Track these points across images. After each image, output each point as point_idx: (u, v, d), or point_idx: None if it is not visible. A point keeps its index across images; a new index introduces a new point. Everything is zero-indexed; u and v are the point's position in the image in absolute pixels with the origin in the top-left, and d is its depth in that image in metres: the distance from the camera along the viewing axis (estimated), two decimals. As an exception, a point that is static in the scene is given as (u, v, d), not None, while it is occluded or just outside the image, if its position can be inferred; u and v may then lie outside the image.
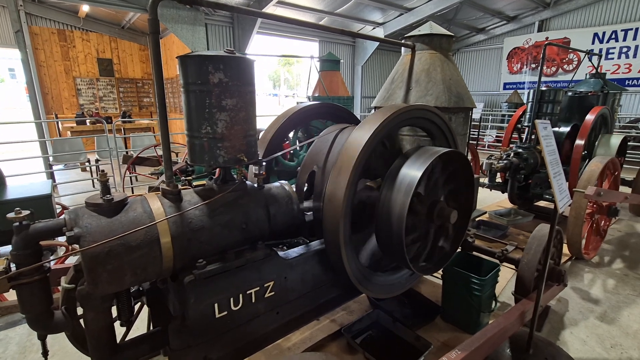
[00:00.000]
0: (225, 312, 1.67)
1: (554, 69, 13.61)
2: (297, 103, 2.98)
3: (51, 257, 1.53)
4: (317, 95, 6.31)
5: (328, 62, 6.41)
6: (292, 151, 3.39)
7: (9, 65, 36.01)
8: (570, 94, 5.29)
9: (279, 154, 2.26)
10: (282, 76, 42.28)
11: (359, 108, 15.30)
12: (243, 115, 1.68)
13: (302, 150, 3.44)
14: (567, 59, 13.29)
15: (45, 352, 1.67)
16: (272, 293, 1.84)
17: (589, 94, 5.15)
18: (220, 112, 1.60)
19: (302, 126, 3.01)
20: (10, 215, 1.32)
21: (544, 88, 4.81)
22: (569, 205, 3.28)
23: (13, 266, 1.40)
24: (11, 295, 2.93)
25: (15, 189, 3.47)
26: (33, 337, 2.73)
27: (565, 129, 5.03)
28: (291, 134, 3.30)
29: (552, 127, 4.50)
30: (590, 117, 4.67)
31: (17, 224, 1.34)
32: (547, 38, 13.30)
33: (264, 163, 1.88)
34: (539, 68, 4.58)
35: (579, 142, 4.57)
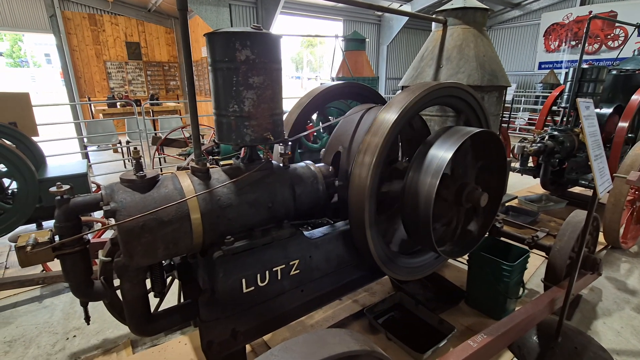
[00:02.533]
0: (252, 288, 1.72)
1: (596, 46, 12.64)
2: (321, 84, 2.93)
3: (92, 231, 1.62)
4: (341, 76, 6.20)
5: (353, 42, 6.24)
6: (315, 133, 3.37)
7: (45, 50, 37.62)
8: (614, 72, 4.90)
9: (305, 133, 2.25)
10: (304, 58, 41.75)
11: (384, 90, 14.94)
12: (270, 93, 1.67)
13: (325, 133, 3.41)
14: (612, 34, 12.28)
15: (87, 317, 1.79)
16: (297, 271, 1.88)
17: (637, 72, 4.75)
18: (247, 90, 1.60)
19: (327, 107, 2.97)
20: (52, 189, 1.40)
21: (585, 66, 4.48)
22: (608, 192, 3.10)
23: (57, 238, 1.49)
24: (55, 266, 3.15)
25: (55, 168, 3.67)
26: (75, 305, 2.94)
27: (608, 110, 4.69)
28: (314, 116, 3.27)
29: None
30: (636, 97, 4.33)
31: (59, 197, 1.42)
32: (590, 12, 12.29)
33: (289, 142, 1.87)
34: (581, 44, 4.26)
35: (623, 124, 4.26)
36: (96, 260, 1.90)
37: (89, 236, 3.24)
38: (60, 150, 6.62)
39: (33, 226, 3.77)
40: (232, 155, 3.98)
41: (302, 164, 2.08)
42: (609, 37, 12.37)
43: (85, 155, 7.42)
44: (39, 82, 32.83)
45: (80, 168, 3.66)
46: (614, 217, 3.55)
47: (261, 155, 1.88)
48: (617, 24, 12.01)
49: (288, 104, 2.77)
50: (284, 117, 2.57)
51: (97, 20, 11.57)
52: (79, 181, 3.47)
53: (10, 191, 3.54)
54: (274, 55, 1.64)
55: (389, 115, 1.80)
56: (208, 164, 1.72)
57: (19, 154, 3.09)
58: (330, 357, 1.12)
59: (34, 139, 3.79)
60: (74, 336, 2.59)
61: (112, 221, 1.40)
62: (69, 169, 3.64)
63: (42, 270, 3.23)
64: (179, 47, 13.28)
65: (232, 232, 1.68)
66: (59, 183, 1.42)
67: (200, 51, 11.70)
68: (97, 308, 2.71)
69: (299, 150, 2.92)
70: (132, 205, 1.43)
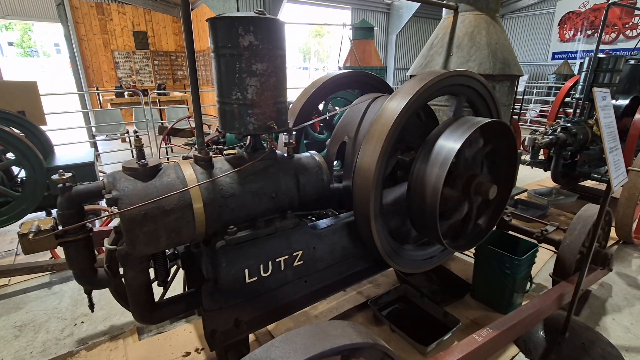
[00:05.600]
0: (255, 278, 1.71)
1: (614, 35, 12.23)
2: (327, 73, 2.87)
3: (94, 219, 1.61)
4: (348, 65, 6.10)
5: (361, 30, 6.12)
6: (321, 123, 3.32)
7: (55, 40, 37.86)
8: (632, 62, 4.73)
9: (310, 122, 2.21)
10: (312, 48, 41.27)
11: (392, 80, 14.73)
12: (273, 80, 1.63)
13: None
14: (630, 23, 11.87)
15: (91, 305, 1.80)
16: (301, 262, 1.86)
17: (656, 62, 4.58)
18: (250, 78, 1.56)
19: (332, 97, 2.92)
20: (54, 177, 1.39)
21: (601, 55, 4.33)
22: (622, 186, 3.01)
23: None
24: (63, 254, 3.19)
25: (62, 157, 3.70)
26: (83, 292, 2.98)
27: (624, 102, 4.55)
28: (321, 106, 3.21)
29: (608, 100, 4.07)
30: (655, 88, 4.17)
31: (61, 185, 1.41)
32: (608, 0, 11.87)
33: (294, 132, 1.84)
34: (598, 33, 4.10)
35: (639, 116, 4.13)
36: (103, 248, 1.91)
37: (97, 223, 3.27)
38: (69, 139, 6.68)
39: (43, 214, 3.83)
40: (237, 144, 3.95)
41: (306, 153, 2.05)
42: (627, 25, 11.96)
43: (94, 145, 7.48)
44: (49, 72, 33.05)
45: (87, 157, 3.68)
46: (627, 211, 3.46)
47: (265, 145, 1.86)
48: (635, 12, 11.58)
49: (294, 95, 2.72)
50: (289, 107, 2.53)
51: (105, 9, 11.55)
52: (86, 170, 3.50)
53: (19, 179, 3.59)
54: (278, 42, 1.60)
55: (396, 104, 1.75)
56: (211, 153, 1.70)
57: (27, 142, 3.12)
58: (331, 350, 1.11)
59: (43, 127, 3.82)
60: (82, 322, 2.64)
61: (115, 209, 1.39)
62: (76, 157, 3.67)
63: (51, 257, 3.28)
64: (186, 36, 13.22)
65: (235, 222, 1.66)
66: (60, 171, 1.41)
67: (207, 40, 11.62)
68: (105, 295, 2.74)
69: (304, 141, 2.88)
70: (134, 193, 1.42)
